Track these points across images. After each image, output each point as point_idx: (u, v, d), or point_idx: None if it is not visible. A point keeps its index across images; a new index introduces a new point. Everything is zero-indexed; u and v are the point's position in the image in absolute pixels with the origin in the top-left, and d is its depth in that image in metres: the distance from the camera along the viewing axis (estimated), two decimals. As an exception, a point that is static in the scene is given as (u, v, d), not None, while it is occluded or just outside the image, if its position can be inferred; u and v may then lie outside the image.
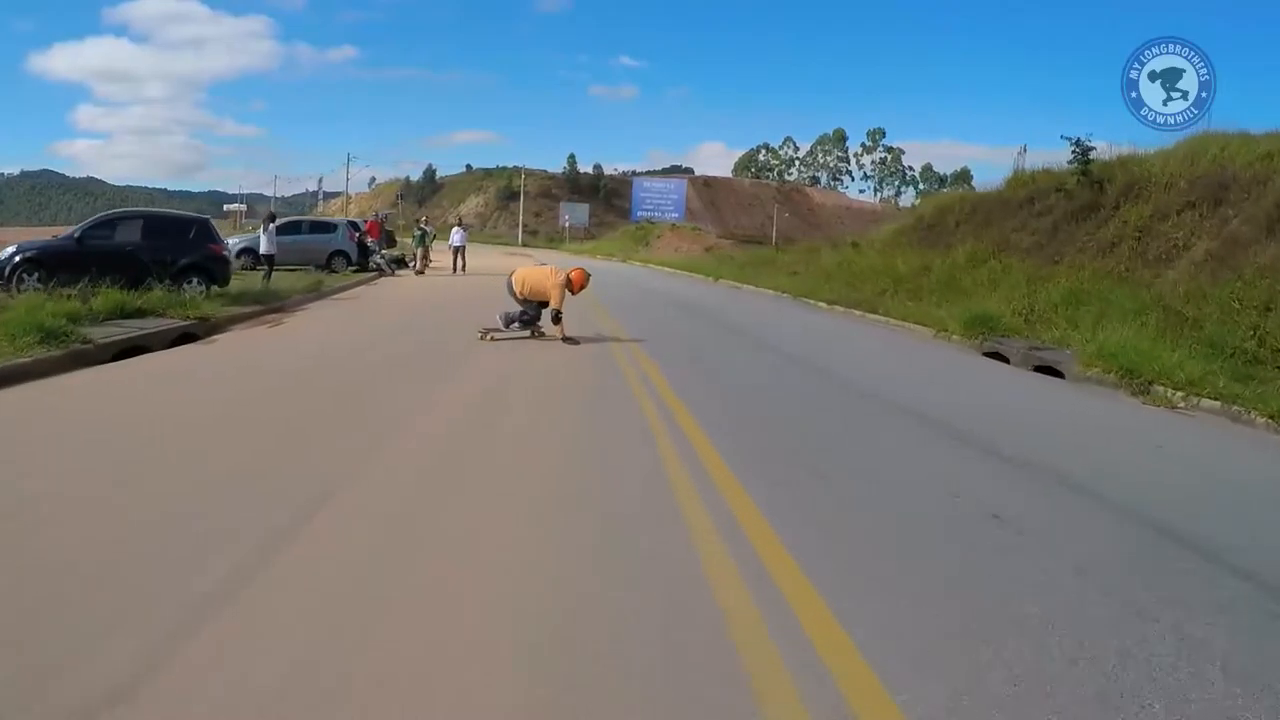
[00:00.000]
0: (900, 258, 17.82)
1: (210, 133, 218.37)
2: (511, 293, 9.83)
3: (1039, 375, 9.45)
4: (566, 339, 9.44)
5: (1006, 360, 10.32)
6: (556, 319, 9.50)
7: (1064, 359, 9.48)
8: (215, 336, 9.49)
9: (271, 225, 17.03)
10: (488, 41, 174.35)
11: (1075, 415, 7.24)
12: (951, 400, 7.47)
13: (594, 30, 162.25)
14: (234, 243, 19.40)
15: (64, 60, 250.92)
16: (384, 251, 23.12)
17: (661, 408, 6.19)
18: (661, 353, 9.13)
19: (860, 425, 6.24)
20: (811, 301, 18.01)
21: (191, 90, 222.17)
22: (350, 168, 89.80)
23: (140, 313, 9.40)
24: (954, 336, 11.94)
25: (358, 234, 22.25)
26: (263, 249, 16.56)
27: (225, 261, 13.09)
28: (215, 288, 12.21)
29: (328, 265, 20.79)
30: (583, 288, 9.88)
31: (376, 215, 28.03)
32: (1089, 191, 14.57)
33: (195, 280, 12.07)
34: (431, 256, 23.82)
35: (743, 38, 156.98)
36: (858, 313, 15.51)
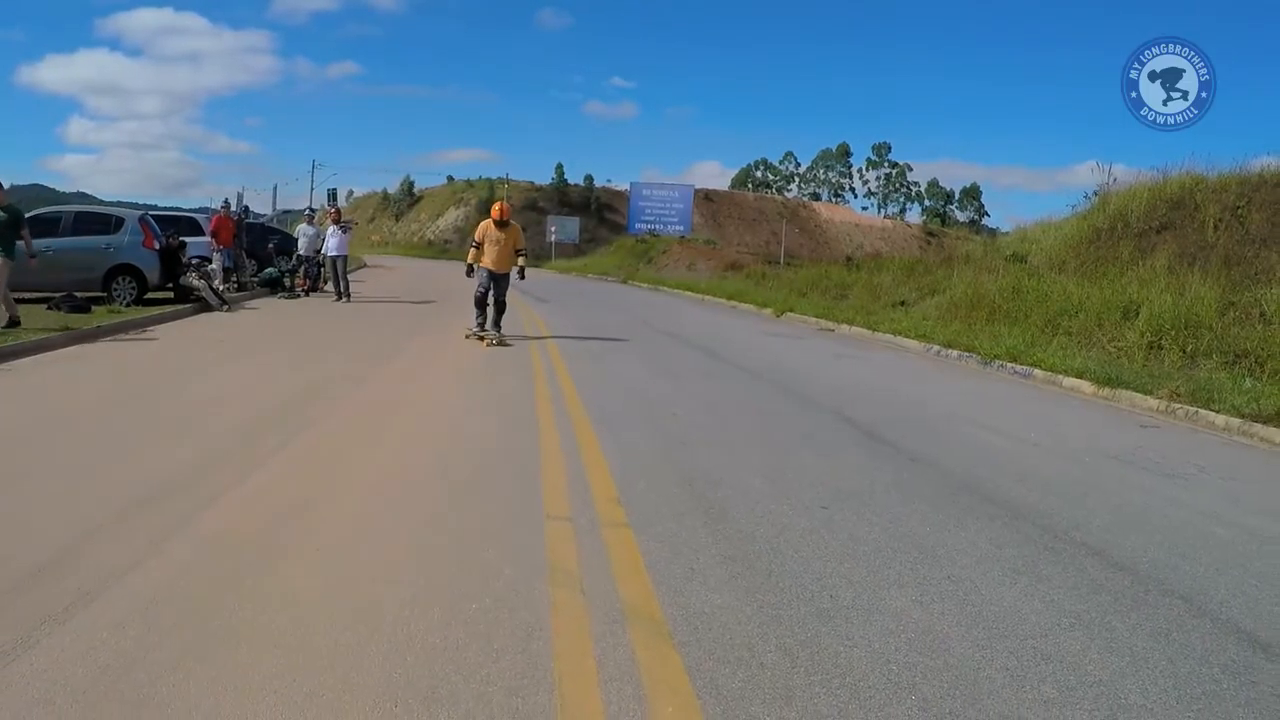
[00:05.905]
0: (1132, 281, 11.01)
1: (202, 148, 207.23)
2: None
3: None
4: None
5: None
6: None
7: None
8: None
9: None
10: (487, 59, 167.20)
11: None
12: None
13: (591, 49, 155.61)
14: None
15: (55, 72, 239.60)
16: (232, 273, 15.65)
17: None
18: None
19: None
20: (1041, 375, 9.26)
21: (186, 105, 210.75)
22: (318, 176, 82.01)
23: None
24: None
25: (169, 239, 13.30)
26: None
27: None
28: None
29: (106, 290, 12.47)
30: None
31: (226, 206, 17.75)
32: None
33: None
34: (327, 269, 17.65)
35: (738, 59, 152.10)
36: (1182, 409, 7.36)
